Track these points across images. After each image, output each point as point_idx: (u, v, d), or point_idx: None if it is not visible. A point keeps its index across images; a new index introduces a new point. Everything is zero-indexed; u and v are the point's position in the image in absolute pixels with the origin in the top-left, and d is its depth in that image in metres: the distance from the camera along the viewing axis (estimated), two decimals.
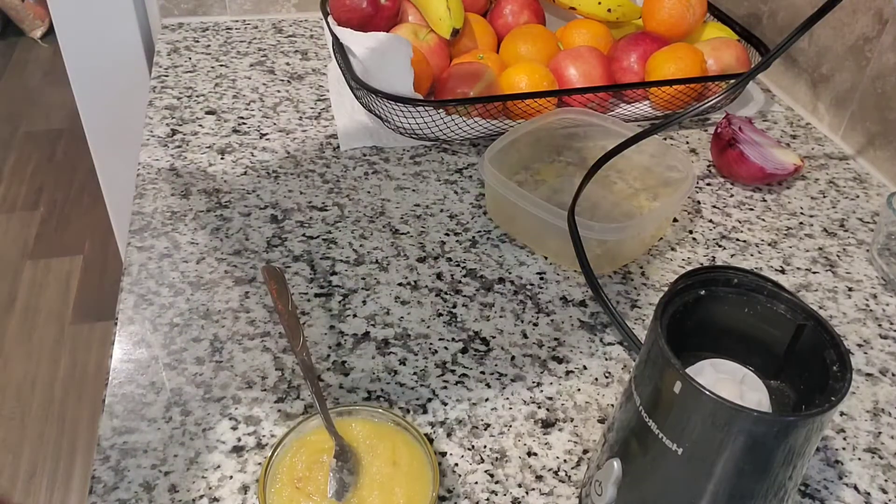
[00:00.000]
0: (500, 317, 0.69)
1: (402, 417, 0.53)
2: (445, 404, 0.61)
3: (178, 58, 1.11)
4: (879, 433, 0.61)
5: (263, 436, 0.58)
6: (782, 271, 0.77)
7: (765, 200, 0.87)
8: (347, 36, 0.94)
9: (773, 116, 1.04)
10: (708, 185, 0.89)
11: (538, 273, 0.74)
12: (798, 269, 0.78)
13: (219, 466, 0.56)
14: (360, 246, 0.77)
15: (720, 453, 0.43)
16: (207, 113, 0.98)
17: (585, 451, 0.58)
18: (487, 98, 0.89)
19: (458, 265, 0.75)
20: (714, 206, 0.86)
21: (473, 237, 0.79)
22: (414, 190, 0.85)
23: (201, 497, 0.54)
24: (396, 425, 0.53)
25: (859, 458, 0.60)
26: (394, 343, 0.66)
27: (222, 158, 0.89)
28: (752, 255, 0.79)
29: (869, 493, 0.57)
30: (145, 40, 1.22)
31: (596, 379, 0.64)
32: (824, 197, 0.89)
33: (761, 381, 0.48)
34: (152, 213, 0.80)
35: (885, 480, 0.58)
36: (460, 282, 0.73)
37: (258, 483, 0.42)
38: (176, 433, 0.58)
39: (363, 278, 0.73)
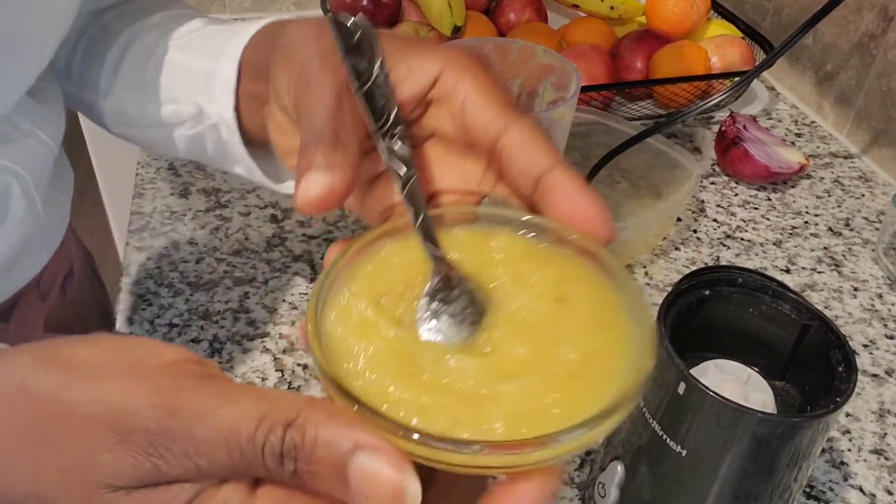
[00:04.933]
0: None
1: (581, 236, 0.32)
2: None
3: None
4: (885, 434, 0.61)
5: None
6: (787, 271, 0.77)
7: (769, 199, 0.86)
8: None
9: (777, 114, 1.03)
10: (712, 183, 0.89)
11: None
12: (803, 268, 0.77)
13: None
14: None
15: (724, 455, 0.43)
16: None
17: (588, 453, 0.58)
18: None
19: None
20: (718, 206, 0.85)
21: None
22: None
23: None
24: (565, 244, 0.33)
25: (865, 460, 0.59)
26: None
27: None
28: (756, 255, 0.78)
29: (874, 495, 0.57)
30: None
31: None
32: (829, 196, 0.88)
33: (766, 381, 0.47)
34: (151, 212, 0.79)
35: (891, 482, 0.57)
36: None
37: (313, 291, 0.29)
38: None
39: None
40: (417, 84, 0.35)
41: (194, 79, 0.48)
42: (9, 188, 0.49)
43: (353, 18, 0.34)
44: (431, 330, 0.30)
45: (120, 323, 0.67)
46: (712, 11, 1.08)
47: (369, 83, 0.34)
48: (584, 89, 0.91)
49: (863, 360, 0.67)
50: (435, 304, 0.31)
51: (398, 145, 0.34)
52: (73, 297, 0.67)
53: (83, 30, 0.56)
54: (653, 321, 0.29)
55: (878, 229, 0.83)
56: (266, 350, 0.64)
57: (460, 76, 0.34)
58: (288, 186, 0.49)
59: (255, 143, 0.47)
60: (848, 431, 0.61)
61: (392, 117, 0.34)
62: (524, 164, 0.32)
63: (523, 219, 0.33)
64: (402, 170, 0.33)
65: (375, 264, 0.32)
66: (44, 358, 0.26)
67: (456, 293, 0.31)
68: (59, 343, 0.27)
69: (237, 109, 0.45)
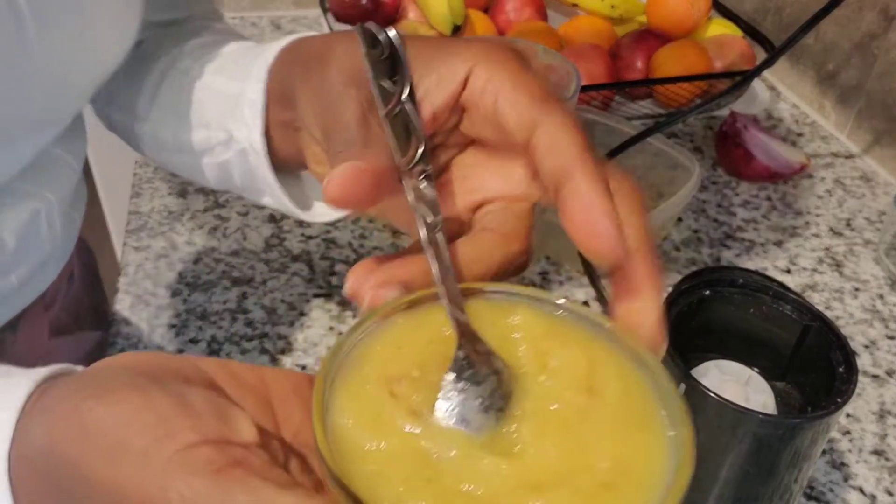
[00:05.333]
0: None
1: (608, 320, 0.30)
2: None
3: None
4: (886, 435, 0.61)
5: None
6: (788, 271, 0.76)
7: (770, 199, 0.86)
8: None
9: (778, 114, 1.03)
10: (713, 183, 0.88)
11: (540, 273, 0.73)
12: (804, 269, 0.77)
13: None
14: (360, 246, 0.76)
15: (725, 456, 0.43)
16: None
17: None
18: None
19: None
20: (719, 206, 0.85)
21: None
22: None
23: None
24: (597, 329, 0.30)
25: (865, 461, 0.59)
26: None
27: None
28: (757, 255, 0.78)
29: (875, 496, 0.56)
30: None
31: None
32: (830, 196, 0.88)
33: (767, 382, 0.47)
34: (149, 212, 0.79)
35: (892, 483, 0.57)
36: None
37: (319, 371, 0.27)
38: None
39: None
40: (448, 90, 0.33)
41: (224, 102, 0.48)
42: (38, 213, 0.50)
43: (385, 32, 0.31)
44: (454, 416, 0.27)
45: (117, 324, 0.66)
46: (713, 10, 1.08)
47: (397, 108, 0.31)
48: (584, 89, 0.91)
49: (863, 361, 0.67)
50: (461, 385, 0.27)
51: (424, 185, 0.31)
52: (72, 298, 0.67)
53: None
54: (689, 422, 0.26)
55: (879, 229, 0.82)
56: (264, 350, 0.64)
57: (490, 73, 0.33)
58: (319, 214, 0.48)
59: (285, 168, 0.46)
60: (848, 432, 0.61)
61: (419, 154, 0.31)
62: (549, 168, 0.30)
63: (546, 298, 0.31)
64: (429, 217, 0.31)
65: (387, 345, 0.29)
66: (70, 422, 0.27)
67: (484, 371, 0.28)
68: (84, 406, 0.27)
69: (267, 134, 0.44)
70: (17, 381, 0.29)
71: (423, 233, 0.30)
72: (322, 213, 0.48)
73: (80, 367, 0.31)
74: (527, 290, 0.31)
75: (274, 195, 0.47)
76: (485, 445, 0.26)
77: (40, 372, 0.30)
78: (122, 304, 0.68)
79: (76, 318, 0.68)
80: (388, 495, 0.24)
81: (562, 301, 0.30)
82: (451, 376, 0.28)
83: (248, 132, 0.45)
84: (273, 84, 0.43)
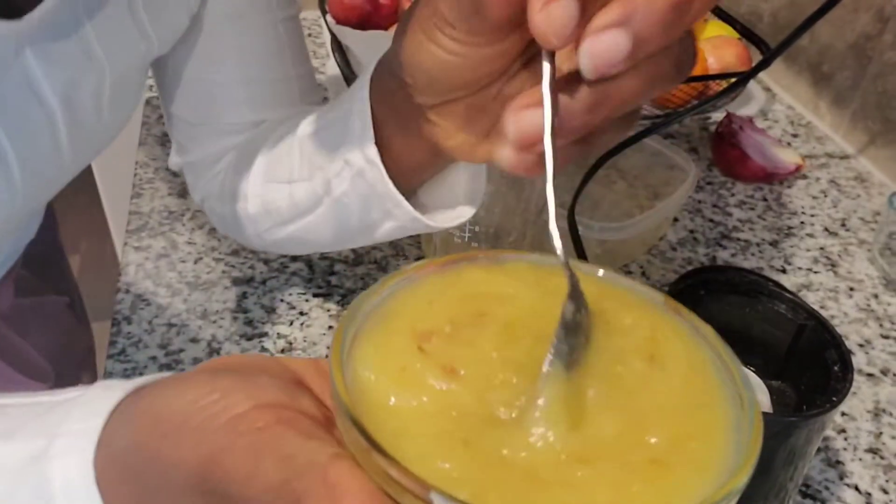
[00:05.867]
0: None
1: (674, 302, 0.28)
2: None
3: None
4: (881, 433, 0.61)
5: None
6: (783, 271, 0.77)
7: (766, 200, 0.87)
8: (346, 34, 0.94)
9: (774, 115, 1.03)
10: (709, 184, 0.89)
11: None
12: (799, 268, 0.77)
13: None
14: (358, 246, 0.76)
15: None
16: None
17: None
18: None
19: None
20: (715, 206, 0.85)
21: None
22: None
23: None
24: (653, 298, 0.29)
25: (860, 459, 0.59)
26: None
27: None
28: (753, 255, 0.79)
29: (870, 494, 0.57)
30: None
31: None
32: (825, 196, 0.88)
33: (762, 381, 0.48)
34: (149, 212, 0.80)
35: (886, 481, 0.58)
36: None
37: (338, 326, 0.25)
38: None
39: (362, 278, 0.72)
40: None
41: (332, 132, 0.49)
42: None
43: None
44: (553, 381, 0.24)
45: (118, 323, 0.67)
46: (709, 12, 1.08)
47: None
48: None
49: (858, 360, 0.67)
50: (567, 343, 0.25)
51: None
52: (32, 257, 0.69)
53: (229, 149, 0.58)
54: (755, 404, 0.24)
55: (873, 230, 0.83)
56: (264, 350, 0.65)
57: None
58: (450, 217, 0.48)
59: (404, 183, 0.46)
60: (844, 430, 0.61)
61: None
62: None
63: (590, 267, 0.29)
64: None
65: (417, 299, 0.27)
66: (147, 414, 0.28)
67: (579, 315, 0.25)
68: (159, 395, 0.28)
69: (379, 146, 0.45)
70: (110, 393, 0.30)
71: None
72: (445, 217, 0.49)
73: (169, 374, 0.32)
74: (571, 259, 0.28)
75: (397, 206, 0.46)
76: (530, 410, 0.24)
77: (136, 381, 0.30)
78: (123, 304, 0.68)
79: (40, 277, 0.70)
80: (413, 453, 0.22)
81: (604, 272, 0.28)
82: (560, 332, 0.25)
83: (361, 146, 0.45)
84: (375, 88, 0.44)
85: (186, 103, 0.58)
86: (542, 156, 0.28)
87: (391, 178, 0.45)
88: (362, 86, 0.44)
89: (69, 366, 0.73)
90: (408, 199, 0.46)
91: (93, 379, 0.79)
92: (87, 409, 0.30)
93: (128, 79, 0.51)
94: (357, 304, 0.26)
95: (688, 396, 0.25)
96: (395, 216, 0.47)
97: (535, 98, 0.28)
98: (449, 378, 0.24)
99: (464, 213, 0.48)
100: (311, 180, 0.51)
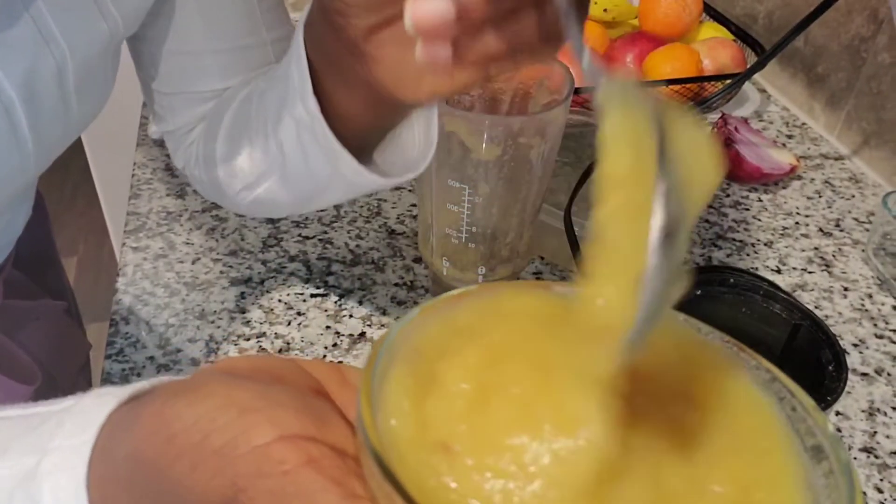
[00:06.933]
0: None
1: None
2: None
3: None
4: (875, 433, 0.62)
5: None
6: (778, 271, 0.77)
7: (761, 200, 0.87)
8: None
9: (768, 116, 1.04)
10: None
11: (535, 273, 0.74)
12: (794, 268, 0.78)
13: None
14: (357, 246, 0.76)
15: None
16: None
17: None
18: None
19: None
20: (710, 206, 0.86)
21: None
22: (410, 189, 0.85)
23: None
24: (700, 331, 0.27)
25: (855, 458, 0.60)
26: None
27: None
28: (748, 255, 0.79)
29: (865, 493, 0.57)
30: None
31: None
32: (820, 197, 0.89)
33: None
34: (147, 213, 0.80)
35: (881, 480, 0.58)
36: None
37: (368, 357, 0.24)
38: None
39: (359, 278, 0.72)
40: None
41: (279, 87, 0.48)
42: None
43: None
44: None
45: (116, 324, 0.67)
46: (704, 14, 1.09)
47: None
48: (576, 91, 0.92)
49: (853, 360, 0.68)
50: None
51: None
52: (22, 258, 0.68)
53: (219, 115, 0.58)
54: (850, 463, 0.22)
55: (868, 230, 0.83)
56: (262, 350, 0.65)
57: None
58: (398, 175, 0.48)
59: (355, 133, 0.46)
60: (838, 430, 0.62)
61: None
62: None
63: None
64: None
65: (447, 332, 0.25)
66: (154, 425, 0.26)
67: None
68: (168, 406, 0.26)
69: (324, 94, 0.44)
70: (103, 402, 0.29)
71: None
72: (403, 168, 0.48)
73: (168, 378, 0.30)
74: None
75: (340, 157, 0.45)
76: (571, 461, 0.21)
77: (130, 388, 0.29)
78: (121, 304, 0.68)
79: (35, 280, 0.69)
80: (444, 500, 0.21)
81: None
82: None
83: (302, 98, 0.44)
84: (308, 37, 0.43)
85: (158, 74, 0.57)
86: (448, 49, 0.31)
87: (337, 133, 0.44)
88: (297, 35, 0.43)
89: (64, 372, 0.72)
90: (363, 161, 0.46)
91: (89, 386, 0.79)
92: (79, 421, 0.28)
93: (93, 65, 0.48)
94: (389, 337, 0.25)
95: (746, 441, 0.23)
96: (341, 170, 0.46)
97: None
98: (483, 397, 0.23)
99: (417, 166, 0.48)
100: (266, 140, 0.50)
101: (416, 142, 0.48)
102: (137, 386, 0.29)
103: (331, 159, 0.46)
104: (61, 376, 0.71)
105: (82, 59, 0.46)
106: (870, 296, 0.75)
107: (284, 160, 0.50)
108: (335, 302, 0.70)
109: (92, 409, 0.29)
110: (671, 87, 0.93)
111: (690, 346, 0.26)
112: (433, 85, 0.37)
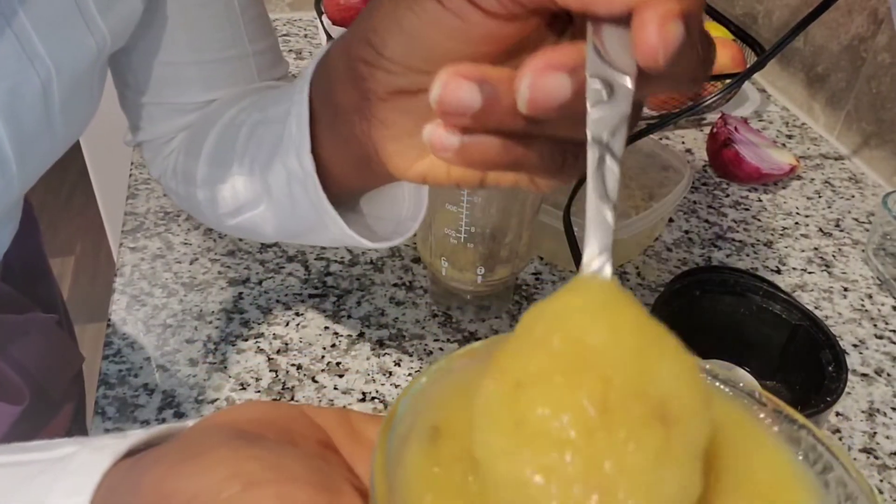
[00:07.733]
0: (496, 318, 0.69)
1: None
2: None
3: None
4: (875, 433, 0.61)
5: None
6: (778, 272, 0.77)
7: (760, 200, 0.87)
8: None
9: (768, 116, 1.03)
10: (703, 185, 0.89)
11: (534, 273, 0.74)
12: (794, 269, 0.78)
13: None
14: (355, 246, 0.76)
15: None
16: None
17: None
18: None
19: None
20: (710, 207, 0.85)
21: None
22: None
23: None
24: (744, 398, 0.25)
25: (855, 459, 0.59)
26: (388, 344, 0.66)
27: None
28: (747, 256, 0.79)
29: None
30: None
31: None
32: (820, 197, 0.89)
33: (757, 381, 0.48)
34: (145, 213, 0.80)
35: (881, 480, 0.58)
36: None
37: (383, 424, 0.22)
38: None
39: (358, 279, 0.72)
40: None
41: (273, 129, 0.46)
42: None
43: None
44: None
45: (113, 324, 0.67)
46: (704, 13, 1.09)
47: None
48: None
49: (853, 360, 0.68)
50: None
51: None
52: (11, 270, 0.67)
53: (187, 126, 0.57)
54: None
55: (867, 230, 0.83)
56: (260, 350, 0.65)
57: None
58: (390, 233, 0.47)
59: (346, 194, 0.44)
60: (838, 430, 0.62)
61: None
62: None
63: None
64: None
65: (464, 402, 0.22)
66: (156, 495, 0.25)
67: None
68: (171, 474, 0.25)
69: (321, 155, 0.42)
70: (99, 459, 0.28)
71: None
72: (385, 232, 0.47)
73: (166, 427, 0.29)
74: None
75: (333, 221, 0.44)
76: None
77: (128, 441, 0.28)
78: (119, 305, 0.68)
79: (25, 293, 0.68)
80: None
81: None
82: None
83: (297, 152, 0.42)
84: (315, 86, 0.41)
85: (138, 83, 0.56)
86: (458, 139, 0.29)
87: (326, 187, 0.42)
88: (303, 82, 0.41)
89: (56, 385, 0.71)
90: (350, 205, 0.44)
91: (82, 397, 0.78)
92: (74, 481, 0.28)
93: (80, 81, 0.47)
94: (403, 401, 0.23)
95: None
96: (329, 227, 0.45)
97: (475, 72, 0.27)
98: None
99: (408, 228, 0.46)
100: (252, 176, 0.49)
101: (405, 203, 0.46)
102: (134, 438, 0.28)
103: (320, 215, 0.45)
104: (53, 389, 0.69)
105: (68, 77, 0.45)
106: (870, 296, 0.75)
107: (271, 200, 0.48)
108: (333, 302, 0.70)
109: (88, 466, 0.28)
110: None
111: (721, 403, 0.24)
112: (428, 169, 0.35)
